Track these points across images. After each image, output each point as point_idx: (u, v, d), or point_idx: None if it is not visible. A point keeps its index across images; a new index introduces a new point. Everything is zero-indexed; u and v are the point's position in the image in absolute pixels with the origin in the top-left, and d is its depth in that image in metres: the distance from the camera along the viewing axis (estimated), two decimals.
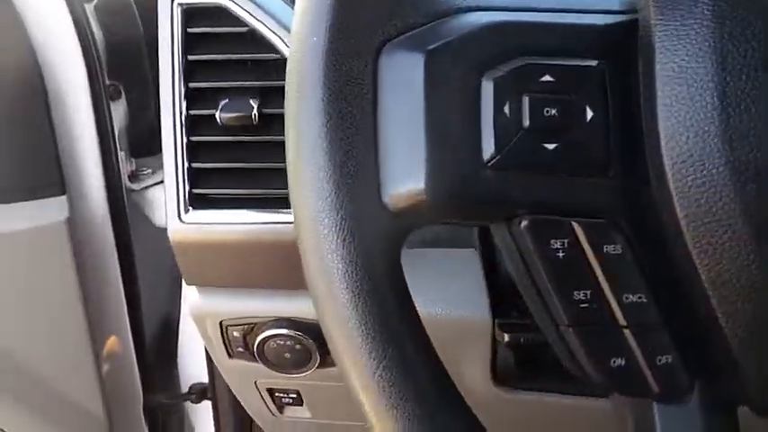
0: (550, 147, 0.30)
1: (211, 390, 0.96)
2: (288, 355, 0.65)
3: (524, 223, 0.30)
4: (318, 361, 0.65)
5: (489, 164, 0.30)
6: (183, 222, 0.59)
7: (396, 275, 0.32)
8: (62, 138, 0.81)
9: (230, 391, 0.95)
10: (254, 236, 0.59)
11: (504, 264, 0.59)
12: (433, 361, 0.33)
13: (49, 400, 0.86)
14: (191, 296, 0.65)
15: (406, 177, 0.30)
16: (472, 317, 0.62)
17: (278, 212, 0.59)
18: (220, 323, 0.65)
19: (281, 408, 0.80)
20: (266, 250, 0.60)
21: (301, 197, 0.31)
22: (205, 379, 1.04)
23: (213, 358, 0.71)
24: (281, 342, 0.64)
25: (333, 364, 0.67)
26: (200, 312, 0.65)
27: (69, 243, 0.78)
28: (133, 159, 0.98)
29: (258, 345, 0.64)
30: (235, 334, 0.65)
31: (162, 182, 1.00)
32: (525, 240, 0.31)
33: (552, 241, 0.30)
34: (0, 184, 0.77)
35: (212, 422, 1.03)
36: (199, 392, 1.02)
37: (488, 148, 0.30)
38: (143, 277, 0.96)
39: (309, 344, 0.64)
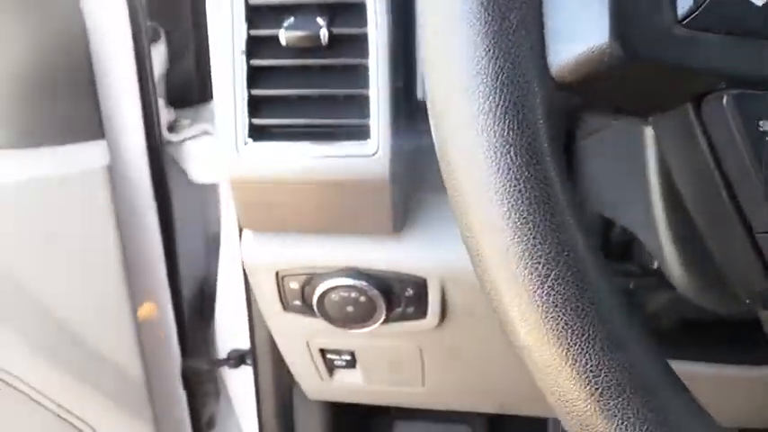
0: (759, 3, 0.23)
1: (252, 355, 0.91)
2: (350, 308, 0.59)
3: (726, 99, 0.24)
4: (384, 315, 0.59)
5: (684, 21, 0.23)
6: (242, 156, 0.53)
7: (561, 164, 0.25)
8: (102, 78, 0.76)
9: (272, 356, 0.90)
10: (319, 172, 0.53)
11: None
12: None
13: (86, 360, 0.81)
14: (245, 243, 0.59)
15: (581, 35, 0.24)
16: None
17: (346, 145, 0.53)
18: (276, 273, 0.60)
19: (331, 371, 0.74)
20: (331, 189, 0.54)
21: (450, 61, 0.25)
22: (242, 345, 0.99)
23: (264, 314, 0.65)
24: (344, 294, 0.58)
25: (399, 319, 0.62)
26: (254, 261, 0.59)
27: (108, 189, 0.72)
28: (172, 108, 0.92)
29: (318, 297, 0.59)
30: (292, 285, 0.60)
31: (200, 135, 0.95)
32: (723, 122, 0.24)
33: (761, 123, 0.24)
34: (38, 126, 0.72)
35: (248, 389, 0.98)
36: (237, 358, 0.97)
37: (685, 1, 0.23)
38: (179, 236, 0.91)
39: (375, 295, 0.58)
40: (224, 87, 0.53)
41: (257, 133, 0.53)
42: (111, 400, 0.84)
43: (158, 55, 0.88)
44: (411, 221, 0.58)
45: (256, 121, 0.53)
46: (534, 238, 0.24)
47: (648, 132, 0.36)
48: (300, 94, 0.53)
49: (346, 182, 0.53)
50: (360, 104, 0.52)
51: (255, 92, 0.53)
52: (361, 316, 0.60)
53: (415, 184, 0.59)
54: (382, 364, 0.72)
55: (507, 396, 0.77)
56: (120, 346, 0.83)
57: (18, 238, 0.73)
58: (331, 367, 0.73)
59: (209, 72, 0.82)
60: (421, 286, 0.59)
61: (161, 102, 0.87)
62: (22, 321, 0.76)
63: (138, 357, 0.84)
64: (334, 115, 0.53)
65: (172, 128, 0.91)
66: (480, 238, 0.26)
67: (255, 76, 0.53)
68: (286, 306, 0.62)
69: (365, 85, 0.52)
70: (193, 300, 1.00)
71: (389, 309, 0.60)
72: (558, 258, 0.24)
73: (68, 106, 0.73)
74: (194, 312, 0.99)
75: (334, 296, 0.58)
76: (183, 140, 0.92)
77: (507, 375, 0.72)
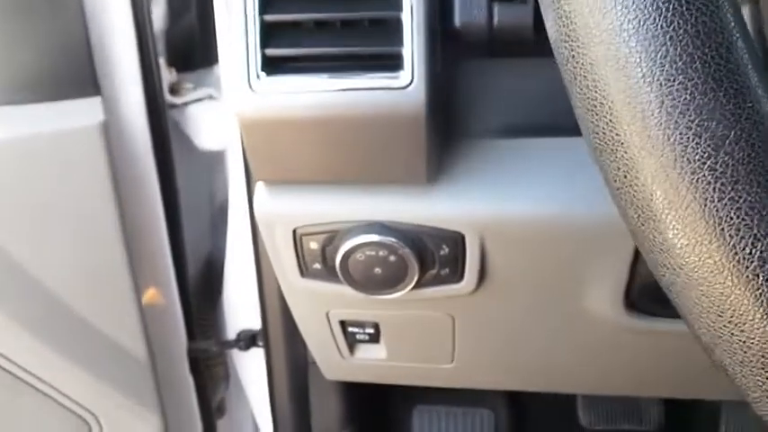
0: None
1: (263, 335, 0.84)
2: (378, 269, 0.52)
3: None
4: (417, 277, 0.53)
5: None
6: (254, 92, 0.46)
7: None
8: (95, 29, 0.69)
9: (285, 335, 0.84)
10: (342, 108, 0.46)
11: None
12: None
13: (84, 342, 0.74)
14: (258, 197, 0.52)
15: None
16: (609, 216, 0.49)
17: (374, 77, 0.46)
18: (294, 231, 0.53)
19: (352, 346, 0.68)
20: (356, 129, 0.47)
21: None
22: (253, 325, 0.93)
23: (281, 282, 0.58)
24: (371, 253, 0.51)
25: (432, 283, 0.55)
26: (269, 217, 0.53)
27: (104, 148, 0.66)
28: (174, 70, 0.86)
29: (341, 258, 0.52)
30: (311, 245, 0.53)
31: (204, 99, 0.89)
32: None
33: None
34: (27, 81, 0.65)
35: (260, 372, 0.91)
36: (248, 339, 0.91)
37: None
38: (183, 209, 0.85)
39: (406, 254, 0.51)
40: (233, 14, 0.46)
41: (271, 66, 0.46)
42: (114, 385, 0.78)
43: (157, 8, 0.81)
44: (446, 169, 0.52)
45: (270, 51, 0.46)
46: None
47: None
48: (319, 19, 0.46)
49: (374, 120, 0.46)
50: (390, 29, 0.45)
51: (269, 17, 0.46)
52: (390, 279, 0.53)
53: (449, 128, 0.52)
54: (409, 338, 0.65)
55: (543, 372, 0.71)
56: (121, 327, 0.76)
57: (9, 205, 0.66)
58: (352, 342, 0.67)
59: (214, 34, 0.76)
60: (458, 243, 0.52)
61: (161, 61, 0.80)
62: (14, 299, 0.70)
63: (142, 340, 0.77)
64: (360, 42, 0.46)
65: (174, 90, 0.85)
66: None
67: (268, 2, 0.46)
68: (304, 271, 0.55)
69: (397, 5, 0.45)
70: (199, 277, 0.93)
71: (422, 270, 0.53)
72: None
73: (58, 58, 0.66)
74: (200, 291, 0.93)
75: (359, 255, 0.52)
76: (187, 104, 0.85)
77: (545, 348, 0.66)
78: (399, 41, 0.45)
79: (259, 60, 0.46)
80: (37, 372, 0.72)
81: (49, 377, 0.72)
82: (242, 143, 0.71)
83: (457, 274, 0.54)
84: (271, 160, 0.49)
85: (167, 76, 0.82)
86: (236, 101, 0.46)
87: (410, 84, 0.45)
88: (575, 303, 0.59)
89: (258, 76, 0.46)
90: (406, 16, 0.45)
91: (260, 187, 0.52)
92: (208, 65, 0.91)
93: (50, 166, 0.66)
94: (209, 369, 0.98)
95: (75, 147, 0.65)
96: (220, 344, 0.94)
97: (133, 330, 0.77)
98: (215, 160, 0.93)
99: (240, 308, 0.93)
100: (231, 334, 0.95)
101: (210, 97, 0.87)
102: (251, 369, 0.95)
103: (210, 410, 0.98)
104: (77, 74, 0.67)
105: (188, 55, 0.88)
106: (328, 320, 0.63)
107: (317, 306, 0.61)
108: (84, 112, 0.66)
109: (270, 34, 0.46)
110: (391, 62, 0.46)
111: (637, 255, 0.53)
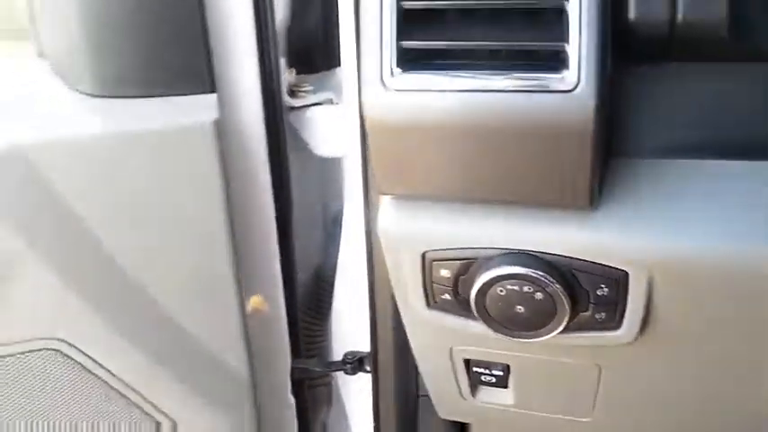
0: None
1: (372, 360, 0.78)
2: (520, 307, 0.43)
3: None
4: (567, 318, 0.44)
5: None
6: (387, 89, 0.39)
7: None
8: (214, 27, 0.65)
9: (397, 362, 0.77)
10: (488, 112, 0.38)
11: None
12: None
13: (184, 349, 0.70)
14: (384, 213, 0.45)
15: None
16: None
17: (531, 77, 0.38)
18: (423, 256, 0.45)
19: (474, 387, 0.60)
20: (504, 137, 0.39)
21: None
22: (360, 347, 0.86)
23: (401, 308, 0.51)
24: (514, 287, 0.43)
25: (583, 327, 0.45)
26: (395, 237, 0.45)
27: (216, 147, 0.61)
28: (294, 72, 0.81)
29: (478, 291, 0.44)
30: (442, 273, 0.45)
31: (323, 103, 0.84)
32: None
33: None
34: (141, 76, 0.62)
35: (365, 397, 0.84)
36: (355, 362, 0.84)
37: None
38: (295, 218, 0.79)
39: (556, 291, 0.43)
40: (368, 0, 0.39)
41: (407, 61, 0.39)
42: (210, 399, 0.73)
43: (280, 9, 0.77)
44: (610, 193, 0.43)
45: (407, 43, 0.39)
46: None
47: None
48: (467, 6, 0.38)
49: (530, 128, 0.38)
50: (549, 21, 0.37)
51: (408, 3, 0.39)
52: (535, 320, 0.44)
53: (612, 143, 0.43)
54: (544, 385, 0.56)
55: None
56: (222, 337, 0.72)
57: (114, 198, 0.63)
58: (476, 383, 0.59)
59: (337, 36, 0.71)
60: (620, 282, 0.43)
61: (282, 62, 0.75)
62: (112, 300, 0.66)
63: (245, 353, 0.72)
64: (515, 36, 0.38)
65: (293, 92, 0.80)
66: None
67: None
68: (431, 301, 0.48)
69: None
70: (307, 291, 0.88)
71: (573, 312, 0.44)
72: None
73: (173, 53, 0.62)
74: (307, 305, 0.88)
75: (499, 289, 0.43)
76: (305, 107, 0.80)
77: (706, 413, 0.55)
78: (563, 36, 0.37)
79: (394, 54, 0.39)
80: (127, 378, 0.68)
81: (139, 384, 0.68)
82: (361, 151, 0.65)
83: (615, 319, 0.45)
84: (400, 171, 0.42)
85: (287, 77, 0.78)
86: (366, 99, 0.40)
87: (576, 86, 0.37)
88: (755, 363, 0.48)
89: (392, 73, 0.39)
90: (572, 6, 0.37)
91: (386, 202, 0.45)
92: (329, 67, 0.86)
93: (160, 162, 0.63)
94: (311, 389, 0.93)
95: (186, 143, 0.62)
96: (325, 364, 0.88)
97: (235, 342, 0.73)
98: (331, 168, 0.88)
99: (349, 328, 0.87)
100: (338, 354, 0.89)
101: (330, 101, 0.82)
102: (356, 394, 0.89)
103: None
104: (194, 70, 0.63)
105: (309, 56, 0.84)
106: (451, 357, 0.56)
107: (441, 340, 0.54)
108: (198, 109, 0.63)
109: (407, 24, 0.39)
110: (552, 60, 0.37)
111: None
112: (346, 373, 0.86)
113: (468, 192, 0.42)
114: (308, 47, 0.84)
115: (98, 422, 0.70)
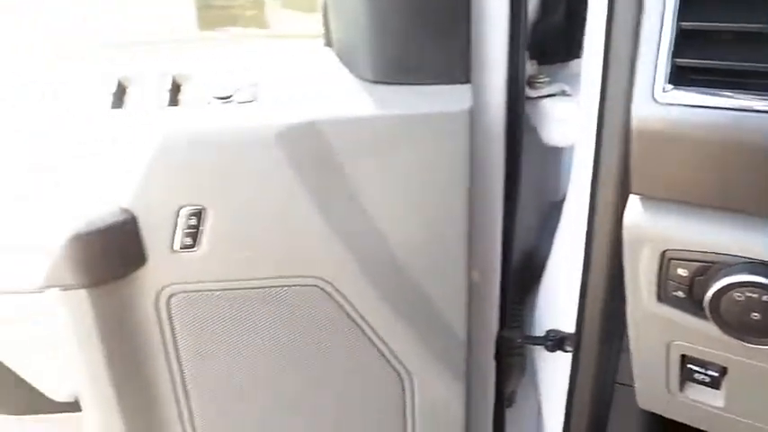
0: None
1: (576, 342, 0.82)
2: (757, 314, 0.46)
3: None
4: None
5: None
6: (657, 103, 0.43)
7: None
8: (477, 22, 0.72)
9: (599, 348, 0.80)
10: (751, 130, 0.41)
11: None
12: None
13: (418, 308, 0.80)
14: (631, 210, 0.50)
15: None
16: None
17: None
18: (662, 253, 0.49)
19: (684, 383, 0.62)
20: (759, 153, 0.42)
21: None
22: (562, 327, 0.90)
23: (629, 297, 0.55)
24: (753, 296, 0.46)
25: None
26: (638, 233, 0.50)
27: (468, 133, 0.68)
28: (535, 62, 0.86)
29: (714, 294, 0.47)
30: (680, 272, 0.49)
31: (558, 94, 0.87)
32: None
33: None
34: (412, 66, 0.70)
35: (558, 375, 0.89)
36: (557, 341, 0.88)
37: None
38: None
39: None
40: (648, 17, 0.44)
41: (680, 77, 0.43)
42: (432, 350, 0.82)
43: (531, 3, 0.82)
44: None
45: (681, 61, 0.43)
46: None
47: None
48: (744, 29, 0.41)
49: None
50: None
51: (686, 24, 0.42)
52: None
53: None
54: (760, 393, 0.58)
55: None
56: (448, 300, 0.80)
57: (375, 174, 0.73)
58: (687, 379, 0.61)
59: (578, 29, 0.73)
60: None
61: (526, 53, 0.80)
62: (369, 257, 0.77)
63: (464, 316, 0.80)
64: None
65: (531, 83, 0.85)
66: None
67: (686, 7, 0.43)
68: (663, 296, 0.51)
69: None
70: (519, 269, 0.93)
71: None
72: None
73: (444, 49, 0.70)
74: (518, 282, 0.93)
75: (737, 295, 0.46)
76: (540, 98, 0.85)
77: None
78: None
79: (668, 70, 0.43)
80: (377, 328, 0.79)
81: (384, 334, 0.79)
82: (595, 147, 0.68)
83: None
84: (656, 174, 0.47)
85: (528, 68, 0.82)
86: (636, 109, 0.44)
87: None
88: None
89: (664, 88, 0.43)
90: None
91: (634, 200, 0.50)
92: (565, 60, 0.89)
93: (422, 143, 0.70)
94: (508, 358, 0.99)
95: (445, 128, 0.69)
96: (527, 337, 0.94)
97: (458, 306, 0.80)
98: (554, 155, 0.92)
99: (553, 308, 0.91)
100: (537, 330, 0.94)
101: (563, 93, 0.86)
102: (550, 371, 0.93)
103: (503, 397, 0.99)
104: (456, 61, 0.70)
105: (549, 48, 0.88)
106: (667, 350, 0.59)
107: (661, 333, 0.57)
108: (455, 98, 0.70)
109: (683, 43, 0.43)
110: None
111: None
112: (546, 349, 0.90)
113: (718, 200, 0.46)
114: (548, 39, 0.88)
115: (348, 364, 0.81)
